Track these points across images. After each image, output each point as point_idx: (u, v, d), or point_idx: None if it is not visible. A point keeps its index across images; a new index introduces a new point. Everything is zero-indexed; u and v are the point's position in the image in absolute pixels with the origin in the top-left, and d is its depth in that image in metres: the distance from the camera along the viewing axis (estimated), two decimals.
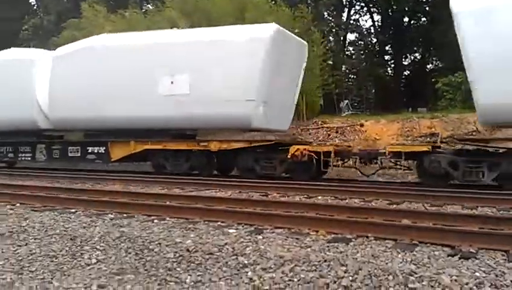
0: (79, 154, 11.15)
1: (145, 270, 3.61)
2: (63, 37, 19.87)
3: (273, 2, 18.24)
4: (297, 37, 10.87)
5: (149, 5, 24.58)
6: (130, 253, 3.95)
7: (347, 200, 6.61)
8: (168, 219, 5.26)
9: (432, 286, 2.92)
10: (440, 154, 8.00)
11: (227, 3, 17.05)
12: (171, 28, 16.31)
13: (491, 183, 7.72)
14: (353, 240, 4.09)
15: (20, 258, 3.93)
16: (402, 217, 4.82)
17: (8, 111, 11.35)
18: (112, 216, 5.41)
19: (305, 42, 11.07)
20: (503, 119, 7.58)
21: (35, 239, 4.45)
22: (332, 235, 4.24)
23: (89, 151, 11.04)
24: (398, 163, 8.52)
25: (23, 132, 11.89)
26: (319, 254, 3.60)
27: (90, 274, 3.52)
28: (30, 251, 4.10)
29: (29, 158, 12.09)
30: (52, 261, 3.83)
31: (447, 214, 5.10)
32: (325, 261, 3.44)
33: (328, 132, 14.43)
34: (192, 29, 10.87)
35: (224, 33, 9.93)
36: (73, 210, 5.79)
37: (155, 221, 5.17)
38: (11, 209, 5.94)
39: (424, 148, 8.16)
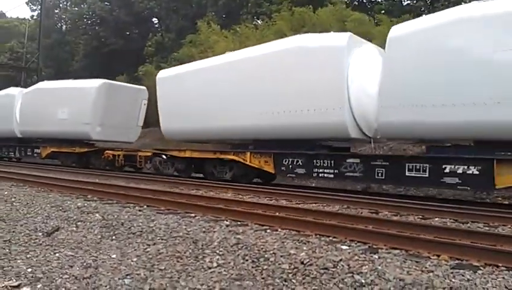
0: (30, 154, 18.95)
1: (262, 278, 3.71)
2: (183, 52, 21.49)
3: (373, 18, 18.12)
4: (131, 85, 17.92)
5: (258, 20, 25.42)
6: (247, 260, 4.08)
7: (469, 224, 6.12)
8: (279, 229, 5.34)
9: None
10: (156, 157, 13.19)
11: (330, 16, 17.28)
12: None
13: (175, 173, 12.68)
14: (481, 268, 3.76)
15: (150, 256, 4.30)
16: None
17: (2, 125, 19.31)
18: (228, 223, 5.64)
19: (142, 87, 17.50)
20: (179, 138, 13.32)
21: (161, 239, 4.83)
22: (456, 261, 3.96)
23: (35, 151, 18.67)
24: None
25: (10, 138, 19.59)
26: (443, 280, 3.38)
27: (212, 277, 3.72)
28: (158, 250, 4.46)
29: (13, 155, 20.11)
30: (178, 261, 4.13)
31: None
32: (451, 288, 3.23)
33: None
34: (70, 80, 18.36)
35: (79, 84, 17.22)
36: (193, 215, 6.19)
37: (268, 231, 5.26)
38: (140, 210, 6.51)
39: (149, 154, 13.53)
